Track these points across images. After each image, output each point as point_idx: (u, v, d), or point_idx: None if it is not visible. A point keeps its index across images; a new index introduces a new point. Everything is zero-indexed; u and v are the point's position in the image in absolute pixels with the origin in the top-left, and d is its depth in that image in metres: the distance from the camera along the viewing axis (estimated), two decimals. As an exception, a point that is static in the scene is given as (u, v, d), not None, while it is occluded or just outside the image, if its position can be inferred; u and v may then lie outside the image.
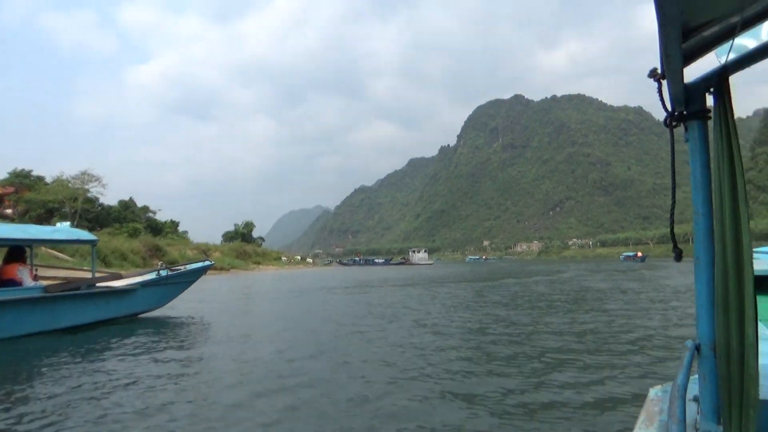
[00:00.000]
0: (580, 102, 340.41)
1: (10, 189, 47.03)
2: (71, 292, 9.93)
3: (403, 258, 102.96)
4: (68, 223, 12.91)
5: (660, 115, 1.50)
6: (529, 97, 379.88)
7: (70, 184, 48.69)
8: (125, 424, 4.16)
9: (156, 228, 60.93)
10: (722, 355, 1.36)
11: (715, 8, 1.21)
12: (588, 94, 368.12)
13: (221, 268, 44.14)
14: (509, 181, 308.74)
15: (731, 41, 1.30)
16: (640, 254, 79.06)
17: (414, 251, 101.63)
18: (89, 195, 51.20)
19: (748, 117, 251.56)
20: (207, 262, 13.49)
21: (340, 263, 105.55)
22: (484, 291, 19.46)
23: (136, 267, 32.89)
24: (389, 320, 10.83)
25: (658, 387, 2.02)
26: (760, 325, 2.35)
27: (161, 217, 67.61)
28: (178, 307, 13.39)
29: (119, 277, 11.89)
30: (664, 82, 1.40)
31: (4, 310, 8.68)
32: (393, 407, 4.53)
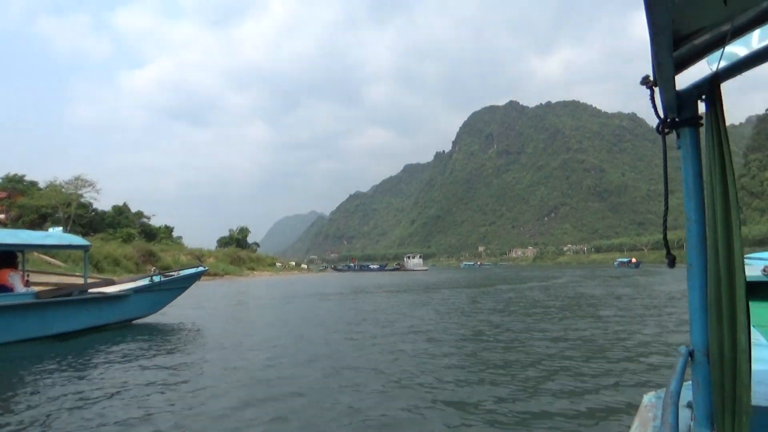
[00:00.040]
0: (574, 108, 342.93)
1: (3, 194, 46.60)
2: (63, 298, 9.84)
3: (398, 264, 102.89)
4: (60, 228, 12.80)
5: (653, 121, 1.51)
6: (524, 104, 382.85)
7: (63, 189, 48.39)
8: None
9: (150, 233, 60.61)
10: (715, 361, 1.36)
11: (706, 17, 1.22)
12: (582, 100, 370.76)
13: (215, 274, 43.92)
14: (504, 187, 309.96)
15: (722, 49, 1.31)
16: (634, 260, 79.35)
17: (409, 257, 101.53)
18: (83, 200, 50.93)
19: (740, 124, 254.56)
20: (201, 268, 13.42)
21: (335, 269, 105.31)
22: (478, 297, 19.44)
23: (129, 273, 32.65)
24: (382, 327, 10.78)
25: (652, 393, 2.02)
26: (753, 330, 2.36)
27: (156, 222, 67.41)
28: (171, 313, 13.30)
29: (112, 283, 11.80)
30: (657, 90, 1.40)
31: (-6, 316, 8.58)
32: (383, 417, 4.49)
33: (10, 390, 5.78)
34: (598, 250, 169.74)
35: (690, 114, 1.46)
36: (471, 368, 6.47)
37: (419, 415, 4.52)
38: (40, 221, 43.03)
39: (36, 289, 9.99)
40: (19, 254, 10.50)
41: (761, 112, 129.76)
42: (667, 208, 1.65)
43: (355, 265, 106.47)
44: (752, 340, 1.34)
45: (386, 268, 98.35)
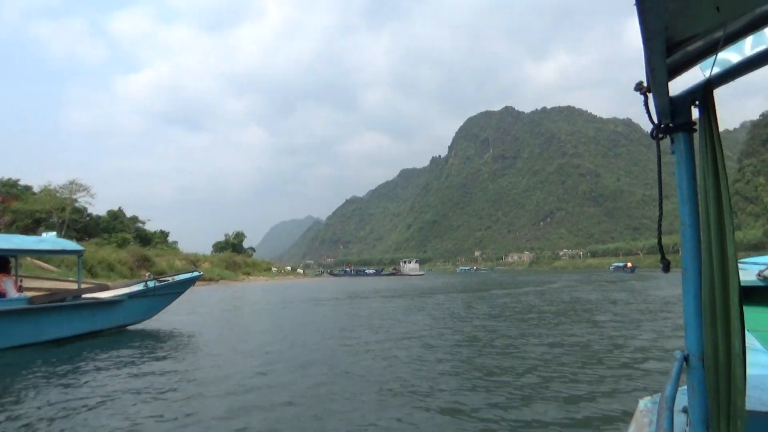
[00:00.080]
0: (569, 114, 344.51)
1: (-3, 199, 46.35)
2: (56, 304, 9.76)
3: (394, 269, 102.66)
4: (54, 233, 12.72)
5: (648, 127, 1.52)
6: (520, 109, 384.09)
7: (57, 194, 48.11)
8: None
9: (145, 238, 60.39)
10: (710, 366, 1.36)
11: (699, 23, 1.23)
12: (577, 106, 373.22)
13: (210, 279, 43.74)
14: (500, 192, 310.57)
15: (715, 55, 1.32)
16: (629, 265, 79.63)
17: (405, 262, 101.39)
18: (77, 205, 50.65)
19: (735, 129, 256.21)
20: (195, 273, 13.36)
21: (331, 274, 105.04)
22: (473, 302, 19.44)
23: (123, 278, 32.45)
24: (376, 333, 10.76)
25: (648, 398, 2.02)
26: (748, 335, 2.36)
27: (151, 227, 67.17)
28: (165, 318, 13.22)
29: (106, 288, 11.72)
30: (651, 95, 1.41)
31: (-14, 322, 8.50)
32: (375, 427, 4.45)
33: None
34: (593, 254, 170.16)
35: (684, 120, 1.46)
36: (465, 375, 6.44)
37: (412, 425, 4.48)
38: (34, 226, 42.74)
39: (29, 294, 9.91)
40: (12, 259, 10.43)
41: (755, 117, 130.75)
42: (661, 213, 1.65)
43: (351, 270, 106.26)
44: (747, 345, 1.35)
45: (382, 272, 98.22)
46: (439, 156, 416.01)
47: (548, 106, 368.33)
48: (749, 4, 1.16)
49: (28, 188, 50.93)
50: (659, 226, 1.65)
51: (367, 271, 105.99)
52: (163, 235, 67.95)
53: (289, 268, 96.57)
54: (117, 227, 56.76)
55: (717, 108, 1.38)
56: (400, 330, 11.01)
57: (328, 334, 10.70)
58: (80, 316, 10.25)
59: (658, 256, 1.64)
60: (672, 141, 1.50)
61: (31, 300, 9.40)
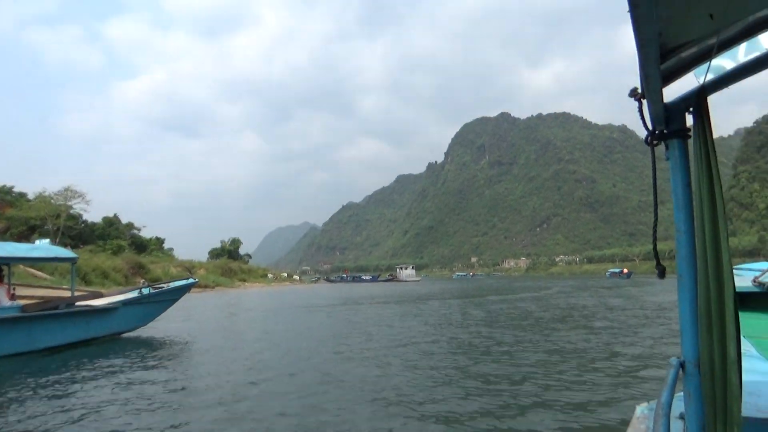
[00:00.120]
0: (565, 120, 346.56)
1: (-9, 206, 46.08)
2: (49, 312, 9.69)
3: (391, 275, 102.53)
4: (47, 240, 12.65)
5: (643, 133, 1.52)
6: (516, 115, 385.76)
7: (52, 201, 47.85)
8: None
9: (141, 245, 60.10)
10: (706, 372, 1.36)
11: (692, 30, 1.23)
12: (573, 112, 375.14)
13: (206, 286, 43.55)
14: (496, 198, 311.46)
15: (709, 62, 1.32)
16: (626, 271, 79.90)
17: (401, 268, 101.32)
18: (72, 212, 50.39)
19: (729, 136, 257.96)
20: (190, 280, 13.30)
21: (328, 280, 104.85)
22: (469, 308, 19.42)
23: (117, 285, 32.27)
24: (371, 339, 10.71)
25: (644, 405, 2.02)
26: (744, 341, 2.35)
27: (147, 233, 66.86)
28: (160, 326, 13.13)
29: (100, 295, 11.65)
30: (645, 102, 1.41)
31: (-22, 330, 8.41)
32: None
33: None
34: (590, 260, 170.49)
35: (678, 126, 1.47)
36: (460, 383, 6.40)
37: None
38: (28, 233, 42.46)
39: (22, 302, 9.83)
40: (5, 267, 10.35)
41: (749, 124, 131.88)
42: (656, 219, 1.65)
43: (347, 276, 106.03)
44: (743, 351, 1.34)
45: (379, 279, 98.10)
46: (436, 162, 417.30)
47: (544, 113, 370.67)
48: (742, 11, 1.16)
49: (22, 195, 50.68)
50: (654, 232, 1.65)
51: (364, 277, 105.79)
52: (159, 241, 67.67)
53: (286, 274, 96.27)
54: (112, 234, 56.48)
55: (711, 114, 1.38)
56: (395, 337, 10.97)
57: (323, 342, 10.65)
58: (74, 324, 10.16)
59: (654, 262, 1.64)
60: (666, 147, 1.50)
61: (23, 308, 9.32)
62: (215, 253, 79.53)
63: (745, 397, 1.35)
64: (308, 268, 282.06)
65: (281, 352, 9.38)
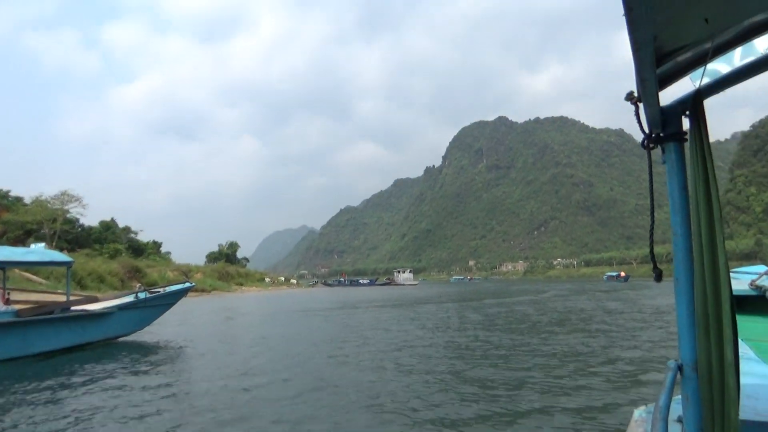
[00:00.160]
0: (562, 124, 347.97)
1: (-13, 210, 45.92)
2: (45, 317, 9.64)
3: (388, 278, 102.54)
4: (42, 244, 12.61)
5: (640, 137, 1.52)
6: (513, 119, 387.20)
7: (49, 205, 47.79)
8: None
9: (138, 249, 59.94)
10: (704, 375, 1.36)
11: (688, 34, 1.24)
12: (570, 116, 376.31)
13: (203, 290, 43.43)
14: (494, 202, 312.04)
15: (704, 66, 1.32)
16: (623, 274, 80.00)
17: (399, 271, 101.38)
18: (69, 216, 50.28)
19: (726, 140, 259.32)
20: (187, 284, 13.27)
21: (325, 284, 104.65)
22: (466, 312, 19.40)
23: (113, 289, 32.15)
24: (367, 344, 10.69)
25: (642, 408, 2.03)
26: (741, 344, 2.35)
27: (144, 237, 66.72)
28: (156, 330, 13.08)
29: (95, 300, 11.60)
30: (641, 105, 1.41)
31: (-28, 335, 8.36)
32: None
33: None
34: (587, 263, 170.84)
35: (674, 129, 1.47)
36: (456, 387, 6.38)
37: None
38: (24, 237, 42.33)
39: (17, 307, 9.77)
40: (0, 271, 10.29)
41: (746, 128, 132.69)
42: (653, 223, 1.65)
43: (345, 280, 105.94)
44: (741, 354, 1.34)
45: (376, 282, 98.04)
46: (433, 166, 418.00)
47: (541, 116, 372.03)
48: (737, 16, 1.17)
49: (19, 199, 50.55)
50: (651, 235, 1.65)
51: (361, 281, 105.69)
52: (156, 245, 67.52)
53: (283, 278, 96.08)
54: (109, 238, 56.32)
55: (708, 118, 1.38)
56: (392, 341, 10.94)
57: (318, 346, 10.61)
58: (69, 329, 10.11)
59: (652, 266, 1.63)
60: (663, 151, 1.50)
61: (18, 313, 9.26)
62: (213, 257, 79.36)
63: (743, 400, 1.36)
64: (306, 271, 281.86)
65: (276, 357, 9.33)
